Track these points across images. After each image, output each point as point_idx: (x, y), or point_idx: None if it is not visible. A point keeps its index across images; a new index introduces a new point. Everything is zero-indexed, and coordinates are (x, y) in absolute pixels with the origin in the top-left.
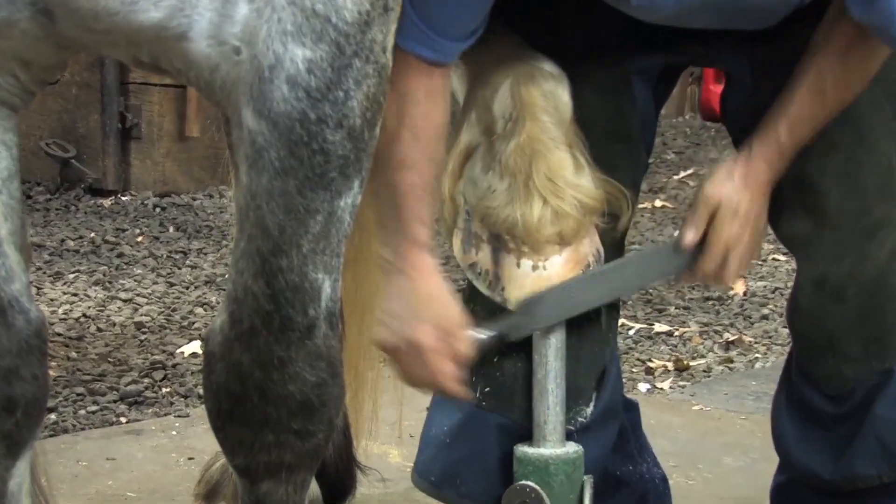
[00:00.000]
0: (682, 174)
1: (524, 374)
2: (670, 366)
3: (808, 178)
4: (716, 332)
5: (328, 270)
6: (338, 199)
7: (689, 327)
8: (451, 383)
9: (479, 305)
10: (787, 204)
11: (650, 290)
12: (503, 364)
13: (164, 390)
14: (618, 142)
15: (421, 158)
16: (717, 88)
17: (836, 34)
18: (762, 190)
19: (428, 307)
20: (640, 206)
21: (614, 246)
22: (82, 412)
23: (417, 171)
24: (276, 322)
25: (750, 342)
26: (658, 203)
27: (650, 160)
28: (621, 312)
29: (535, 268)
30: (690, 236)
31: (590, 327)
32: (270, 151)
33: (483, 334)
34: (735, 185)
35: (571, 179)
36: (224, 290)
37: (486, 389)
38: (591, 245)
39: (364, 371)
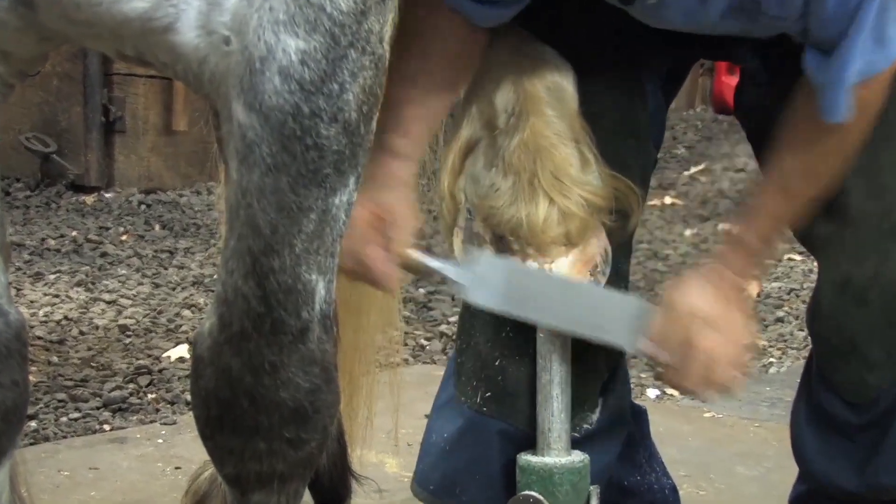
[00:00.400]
0: (693, 170)
1: (527, 379)
2: None
3: None
4: None
5: (322, 271)
6: (332, 196)
7: None
8: (376, 264)
9: (481, 310)
10: None
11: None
12: (505, 367)
13: (149, 396)
14: (626, 136)
15: (428, 82)
16: (731, 80)
17: (798, 129)
18: (738, 296)
19: (380, 191)
20: (650, 203)
21: (623, 245)
22: (64, 419)
23: (422, 88)
24: (267, 325)
25: (764, 346)
26: (668, 200)
27: (659, 155)
28: None
29: (540, 269)
30: (653, 349)
31: None
32: (262, 146)
33: (426, 260)
34: (708, 298)
35: (578, 176)
36: (213, 291)
37: (488, 394)
38: (598, 245)
39: (359, 376)
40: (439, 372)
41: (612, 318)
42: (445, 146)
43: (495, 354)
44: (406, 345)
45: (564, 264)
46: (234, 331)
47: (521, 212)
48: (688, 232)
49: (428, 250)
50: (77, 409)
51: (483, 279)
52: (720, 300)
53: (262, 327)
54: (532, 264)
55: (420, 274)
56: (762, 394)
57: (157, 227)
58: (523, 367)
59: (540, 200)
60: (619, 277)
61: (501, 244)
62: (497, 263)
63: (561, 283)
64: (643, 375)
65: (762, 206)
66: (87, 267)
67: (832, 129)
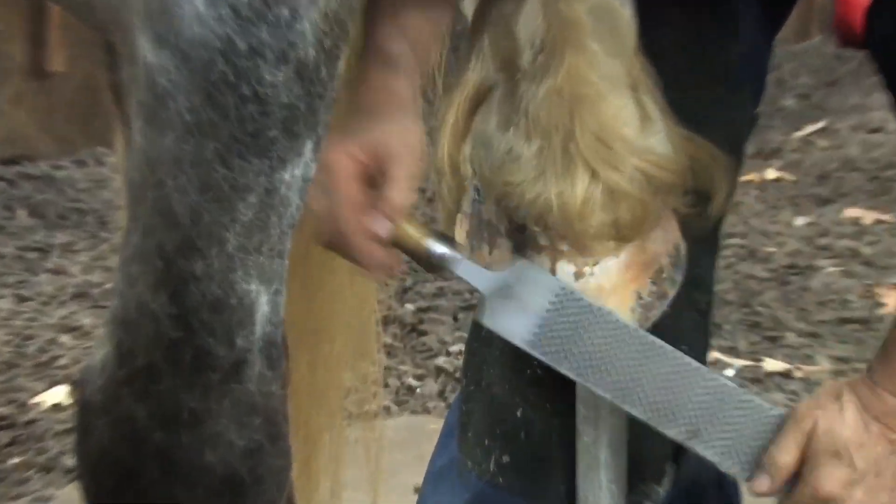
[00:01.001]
0: (808, 129)
1: (563, 437)
2: None
3: None
4: (858, 372)
5: (266, 278)
6: (280, 170)
7: (817, 365)
8: (360, 239)
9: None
10: None
11: (758, 308)
12: (531, 420)
13: (12, 461)
14: (710, 82)
15: None
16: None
17: None
18: (888, 432)
19: (368, 122)
20: (744, 178)
21: (704, 241)
22: None
23: None
24: (186, 357)
25: None
26: (771, 174)
27: (759, 109)
28: (713, 342)
29: (578, 275)
30: (782, 460)
31: None
32: (178, 98)
33: (431, 242)
34: (843, 415)
35: (635, 140)
36: (105, 307)
37: (505, 459)
38: (665, 241)
39: (319, 431)
40: (436, 425)
41: (713, 418)
42: (444, 96)
43: (516, 400)
44: (388, 386)
45: (613, 268)
46: (137, 365)
47: (552, 191)
48: (799, 221)
49: (439, 231)
50: None
51: (515, 296)
52: (860, 425)
53: (179, 360)
54: (566, 268)
55: (421, 260)
56: None
57: (22, 214)
58: (557, 419)
59: (578, 174)
60: (696, 288)
61: (522, 238)
62: (542, 280)
63: (639, 339)
64: None
65: None
66: None
67: None
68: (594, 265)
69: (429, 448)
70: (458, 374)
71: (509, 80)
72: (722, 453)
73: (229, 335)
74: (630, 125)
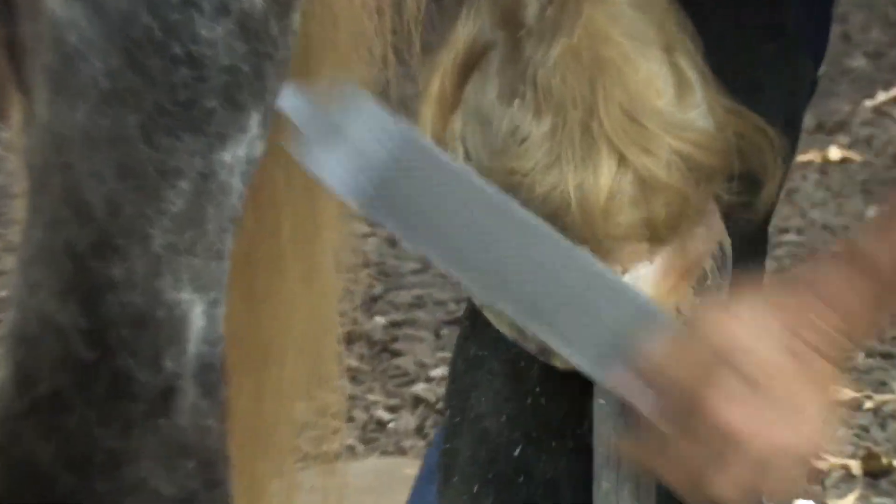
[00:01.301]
0: (882, 97)
1: (572, 481)
2: (855, 466)
3: None
4: None
5: (201, 285)
6: (219, 149)
7: (892, 393)
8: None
9: (491, 350)
10: None
11: None
12: (532, 461)
13: None
14: (759, 39)
15: None
16: None
17: None
18: (826, 346)
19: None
20: (802, 159)
21: (753, 236)
22: None
23: None
24: (101, 383)
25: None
26: (834, 153)
27: (820, 71)
28: None
29: None
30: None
31: None
32: (92, 61)
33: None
34: (771, 336)
35: (671, 114)
36: None
37: None
38: (707, 238)
39: (267, 476)
40: (413, 468)
41: (583, 310)
42: (426, 57)
43: (514, 436)
44: (353, 420)
45: (646, 278)
46: (41, 394)
47: (569, 181)
48: (871, 212)
49: None
50: None
51: (345, 138)
52: (793, 345)
53: (93, 388)
54: None
55: None
56: None
57: None
58: (566, 459)
59: (603, 160)
60: None
61: None
62: (385, 126)
63: (506, 209)
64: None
65: None
66: None
67: None
68: (623, 273)
69: (403, 496)
70: (440, 405)
71: (511, 38)
72: (570, 340)
73: (155, 356)
74: (664, 95)
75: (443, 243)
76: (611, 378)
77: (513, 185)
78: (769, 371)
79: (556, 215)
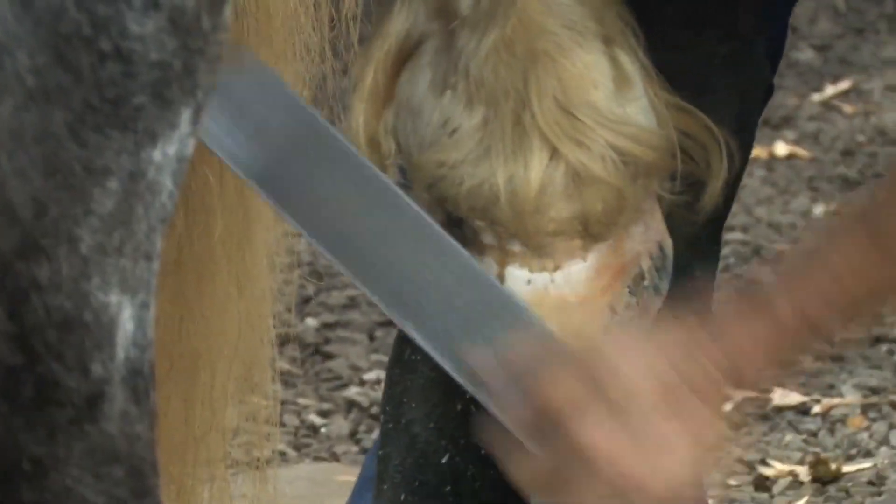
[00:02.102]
0: (829, 91)
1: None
2: (803, 472)
3: None
4: (894, 406)
5: (129, 287)
6: (148, 146)
7: (841, 396)
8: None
9: (423, 353)
10: None
11: None
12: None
13: None
14: (712, 42)
15: None
16: None
17: None
18: (711, 388)
19: None
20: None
21: (699, 244)
22: None
23: None
24: (26, 389)
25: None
26: (781, 149)
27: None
28: None
29: (531, 282)
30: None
31: None
32: (18, 55)
33: None
34: (659, 365)
35: (607, 108)
36: None
37: None
38: (645, 237)
39: (195, 484)
40: (347, 475)
41: (446, 299)
42: (359, 49)
43: (442, 444)
44: (284, 425)
45: (579, 275)
46: None
47: (499, 175)
48: (819, 210)
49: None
50: None
51: (243, 110)
52: (670, 380)
53: (17, 394)
54: (518, 274)
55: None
56: None
57: None
58: (493, 469)
59: (534, 153)
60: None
61: (460, 234)
62: (273, 91)
63: (392, 198)
64: (736, 480)
65: (835, 250)
66: None
67: None
68: (555, 271)
69: (336, 503)
70: (373, 409)
71: (445, 29)
72: (433, 335)
73: (82, 361)
74: (601, 88)
75: (323, 226)
76: (473, 359)
77: (441, 177)
78: (638, 402)
79: (485, 209)
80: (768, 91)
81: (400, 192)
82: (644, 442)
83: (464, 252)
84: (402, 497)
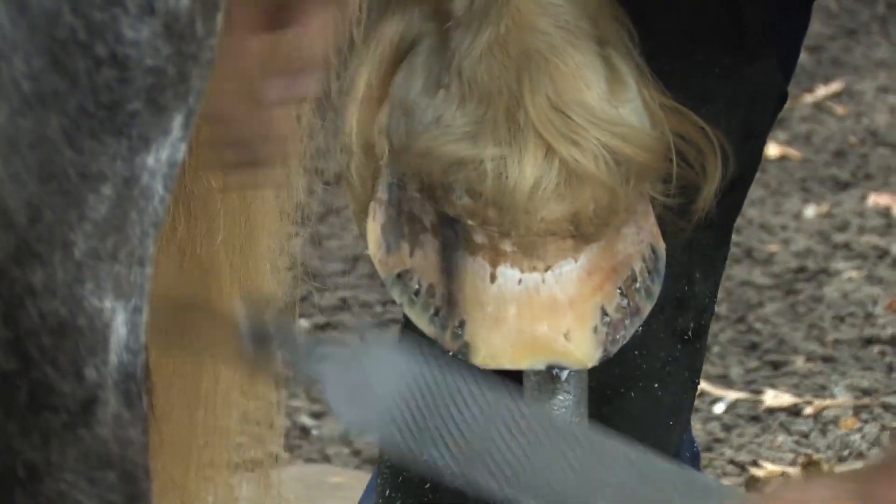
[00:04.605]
0: (822, 92)
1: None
2: (795, 474)
3: None
4: (888, 407)
5: (123, 292)
6: (142, 152)
7: (832, 398)
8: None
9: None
10: None
11: (756, 325)
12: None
13: None
14: (713, 50)
15: None
16: None
17: None
18: None
19: None
20: None
21: (698, 244)
22: None
23: None
24: (20, 394)
25: None
26: (773, 150)
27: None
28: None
29: (522, 282)
30: None
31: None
32: (14, 61)
33: (248, 323)
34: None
35: (601, 108)
36: None
37: None
38: (637, 240)
39: (198, 491)
40: (339, 477)
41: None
42: (355, 50)
43: None
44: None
45: (570, 276)
46: None
47: (486, 153)
48: (810, 211)
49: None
50: None
51: (366, 385)
52: None
53: (11, 399)
54: (509, 274)
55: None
56: None
57: None
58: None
59: (528, 150)
60: (681, 310)
61: (452, 234)
62: (401, 362)
63: (529, 414)
64: (727, 480)
65: None
66: None
67: None
68: (546, 271)
69: None
70: None
71: (438, 30)
72: None
73: (76, 366)
74: (594, 88)
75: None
76: None
77: (425, 160)
78: None
79: (475, 209)
80: (781, 98)
81: (543, 409)
82: None
83: (631, 446)
84: (388, 493)
